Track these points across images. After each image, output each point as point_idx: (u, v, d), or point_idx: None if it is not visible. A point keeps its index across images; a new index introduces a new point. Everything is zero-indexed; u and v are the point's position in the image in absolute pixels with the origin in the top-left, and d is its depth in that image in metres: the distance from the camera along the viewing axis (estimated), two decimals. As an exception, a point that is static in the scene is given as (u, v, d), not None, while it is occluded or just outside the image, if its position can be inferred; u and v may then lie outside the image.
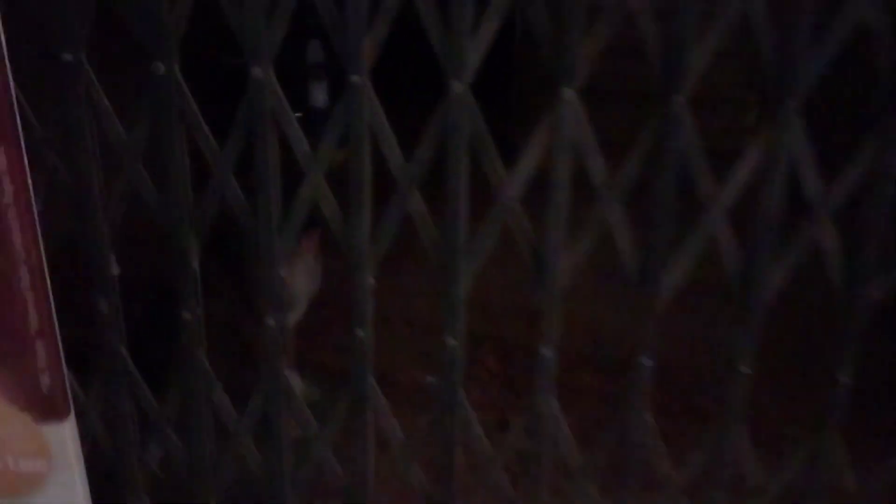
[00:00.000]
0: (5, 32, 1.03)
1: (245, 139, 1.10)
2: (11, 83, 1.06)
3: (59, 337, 1.22)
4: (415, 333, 2.58)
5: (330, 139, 1.07)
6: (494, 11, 0.97)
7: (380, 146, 1.06)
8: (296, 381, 2.01)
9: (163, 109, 1.08)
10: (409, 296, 2.44)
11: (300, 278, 1.88)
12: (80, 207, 1.15)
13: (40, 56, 1.09)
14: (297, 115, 1.08)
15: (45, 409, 1.25)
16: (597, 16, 0.96)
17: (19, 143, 1.13)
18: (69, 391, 1.21)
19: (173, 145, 1.10)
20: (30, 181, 1.13)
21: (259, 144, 1.08)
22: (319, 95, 2.69)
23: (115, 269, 1.19)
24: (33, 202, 1.15)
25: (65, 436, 1.27)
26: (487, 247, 1.09)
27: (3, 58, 1.05)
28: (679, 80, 0.96)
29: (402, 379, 2.22)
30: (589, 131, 1.01)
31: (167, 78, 1.06)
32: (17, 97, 1.07)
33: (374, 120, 1.05)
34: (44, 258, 1.18)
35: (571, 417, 1.19)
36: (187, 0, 1.03)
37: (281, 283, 1.17)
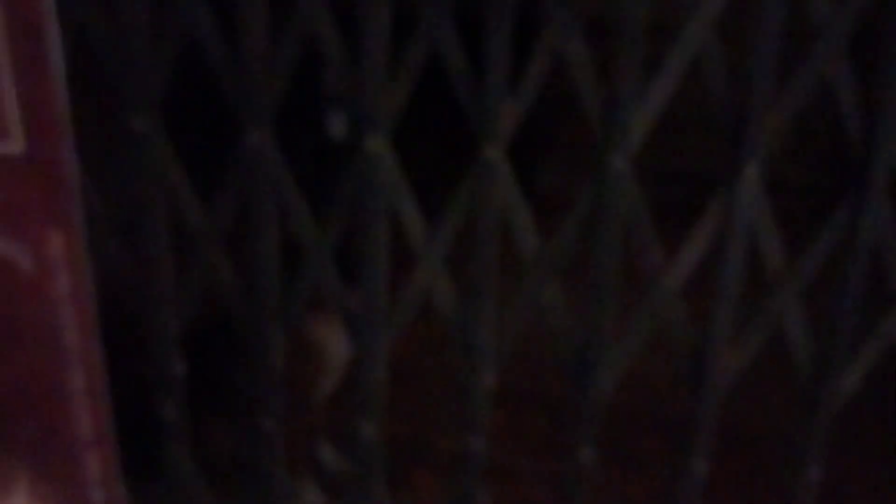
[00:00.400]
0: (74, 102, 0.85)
1: (348, 220, 0.92)
2: (73, 156, 0.87)
3: (114, 447, 1.03)
4: (450, 392, 2.38)
5: (452, 220, 0.90)
6: (667, 77, 0.81)
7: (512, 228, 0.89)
8: (327, 453, 1.83)
9: (253, 186, 0.90)
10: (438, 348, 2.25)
11: (338, 338, 1.70)
12: (145, 300, 0.96)
13: (104, 123, 0.90)
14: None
15: (96, 531, 1.05)
16: (783, 83, 0.81)
17: (78, 228, 0.94)
18: (125, 511, 1.01)
19: (264, 228, 0.91)
20: (87, 271, 0.94)
21: (368, 226, 0.90)
22: (338, 127, 2.48)
23: (182, 368, 1.00)
24: (92, 295, 0.96)
25: (117, 562, 1.07)
26: (636, 347, 0.92)
27: (65, 124, 0.87)
28: (882, 159, 0.81)
29: (443, 446, 2.04)
30: (768, 213, 0.85)
31: (260, 149, 0.88)
32: (79, 175, 0.89)
33: (508, 199, 0.88)
34: (101, 359, 0.99)
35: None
36: (288, 58, 0.86)
37: (382, 385, 0.98)
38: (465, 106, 0.84)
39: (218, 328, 1.06)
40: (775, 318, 0.87)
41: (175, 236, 0.95)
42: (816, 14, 0.75)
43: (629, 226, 0.85)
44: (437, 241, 0.90)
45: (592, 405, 0.93)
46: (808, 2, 0.75)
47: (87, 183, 0.92)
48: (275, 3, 0.83)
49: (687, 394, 0.92)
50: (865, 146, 0.79)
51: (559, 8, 0.79)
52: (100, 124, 0.92)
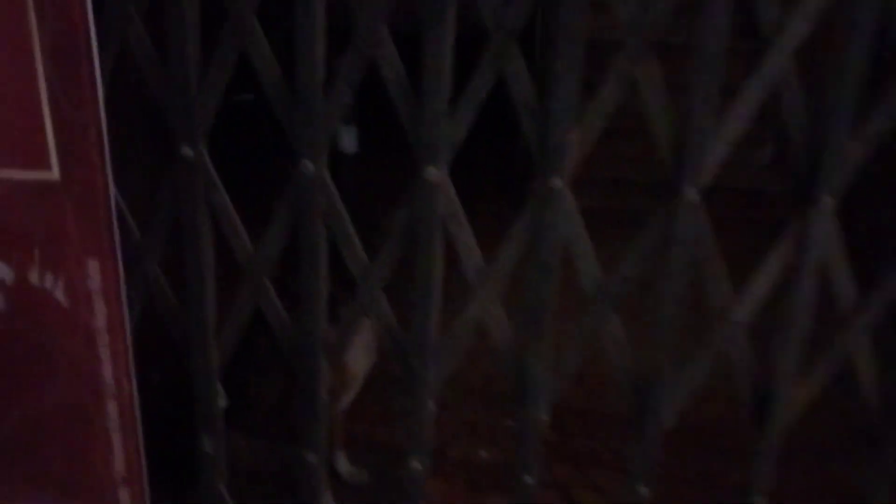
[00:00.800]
0: (111, 127, 0.78)
1: (402, 248, 0.86)
2: (112, 187, 0.81)
3: (146, 483, 0.96)
4: (455, 398, 2.32)
5: (510, 251, 0.84)
6: (744, 105, 0.76)
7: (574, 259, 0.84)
8: (343, 463, 1.77)
9: (306, 214, 0.83)
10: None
11: (359, 355, 1.64)
12: (186, 329, 0.90)
13: (148, 151, 0.84)
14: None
15: (128, 568, 0.98)
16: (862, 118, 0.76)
17: (116, 258, 0.87)
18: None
19: (315, 257, 0.85)
20: (125, 302, 0.87)
21: (423, 254, 0.84)
22: (348, 140, 2.38)
23: (223, 402, 0.94)
24: (128, 326, 0.89)
25: None
26: (700, 382, 0.87)
27: (103, 151, 0.80)
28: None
29: (455, 454, 1.98)
30: (841, 249, 0.80)
31: (315, 178, 0.81)
32: (117, 202, 0.82)
33: (571, 230, 0.82)
34: (136, 393, 0.92)
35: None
36: (344, 93, 0.79)
37: (432, 419, 0.93)
38: (528, 136, 0.78)
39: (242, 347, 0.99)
40: (844, 353, 0.83)
41: (218, 268, 0.89)
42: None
43: (698, 257, 0.80)
44: (493, 273, 0.85)
45: (652, 441, 0.88)
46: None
47: (127, 210, 0.85)
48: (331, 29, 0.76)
49: (751, 429, 0.88)
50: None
51: (632, 33, 0.73)
52: (144, 152, 0.85)
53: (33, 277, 0.83)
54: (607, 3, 0.73)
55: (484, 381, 2.06)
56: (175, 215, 0.84)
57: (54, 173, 0.79)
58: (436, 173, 0.79)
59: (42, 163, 0.78)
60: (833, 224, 0.77)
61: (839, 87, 0.73)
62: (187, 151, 0.80)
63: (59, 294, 0.83)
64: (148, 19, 0.82)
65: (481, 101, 0.77)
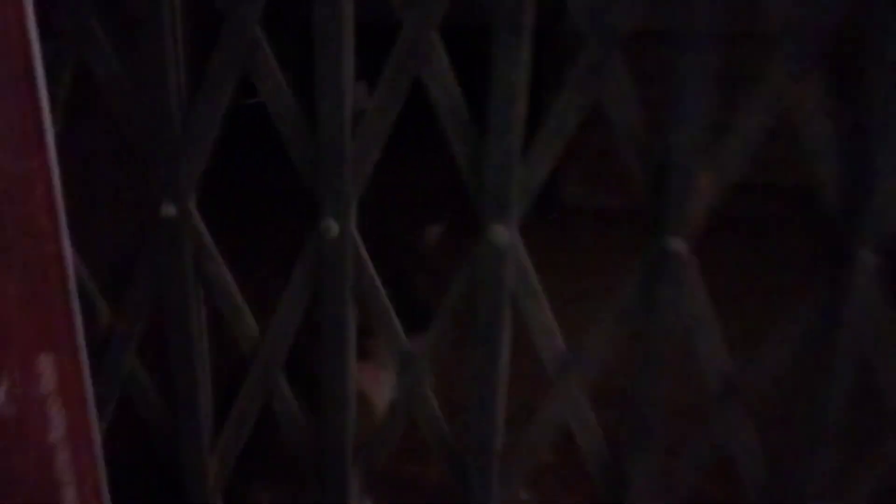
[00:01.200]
0: (68, 180, 0.56)
1: (458, 327, 0.64)
2: (69, 258, 0.59)
3: None
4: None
5: (605, 332, 0.62)
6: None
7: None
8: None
9: (329, 286, 0.62)
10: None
11: (386, 393, 1.42)
12: (173, 437, 0.68)
13: (121, 211, 0.62)
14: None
15: None
16: None
17: (77, 349, 0.65)
18: None
19: (341, 343, 0.63)
20: (92, 406, 0.66)
21: (486, 335, 0.62)
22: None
23: (224, 523, 0.72)
24: (97, 436, 0.67)
25: None
26: (866, 494, 0.64)
27: (58, 222, 0.58)
28: None
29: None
30: None
31: (341, 241, 0.60)
32: (79, 277, 0.60)
33: (692, 306, 0.60)
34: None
35: None
36: (382, 128, 0.58)
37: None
38: (636, 178, 0.56)
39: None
40: None
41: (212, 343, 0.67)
42: None
43: (870, 335, 0.58)
44: (581, 362, 0.62)
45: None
46: None
47: (93, 288, 0.63)
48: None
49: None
50: None
51: (789, 41, 0.51)
52: (115, 212, 0.64)
53: (-33, 380, 0.61)
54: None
55: (524, 411, 1.83)
56: (157, 291, 0.62)
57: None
58: (504, 234, 0.57)
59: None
60: None
61: None
62: (170, 210, 0.58)
63: (3, 401, 0.62)
64: (117, 35, 0.61)
65: (569, 135, 0.55)
